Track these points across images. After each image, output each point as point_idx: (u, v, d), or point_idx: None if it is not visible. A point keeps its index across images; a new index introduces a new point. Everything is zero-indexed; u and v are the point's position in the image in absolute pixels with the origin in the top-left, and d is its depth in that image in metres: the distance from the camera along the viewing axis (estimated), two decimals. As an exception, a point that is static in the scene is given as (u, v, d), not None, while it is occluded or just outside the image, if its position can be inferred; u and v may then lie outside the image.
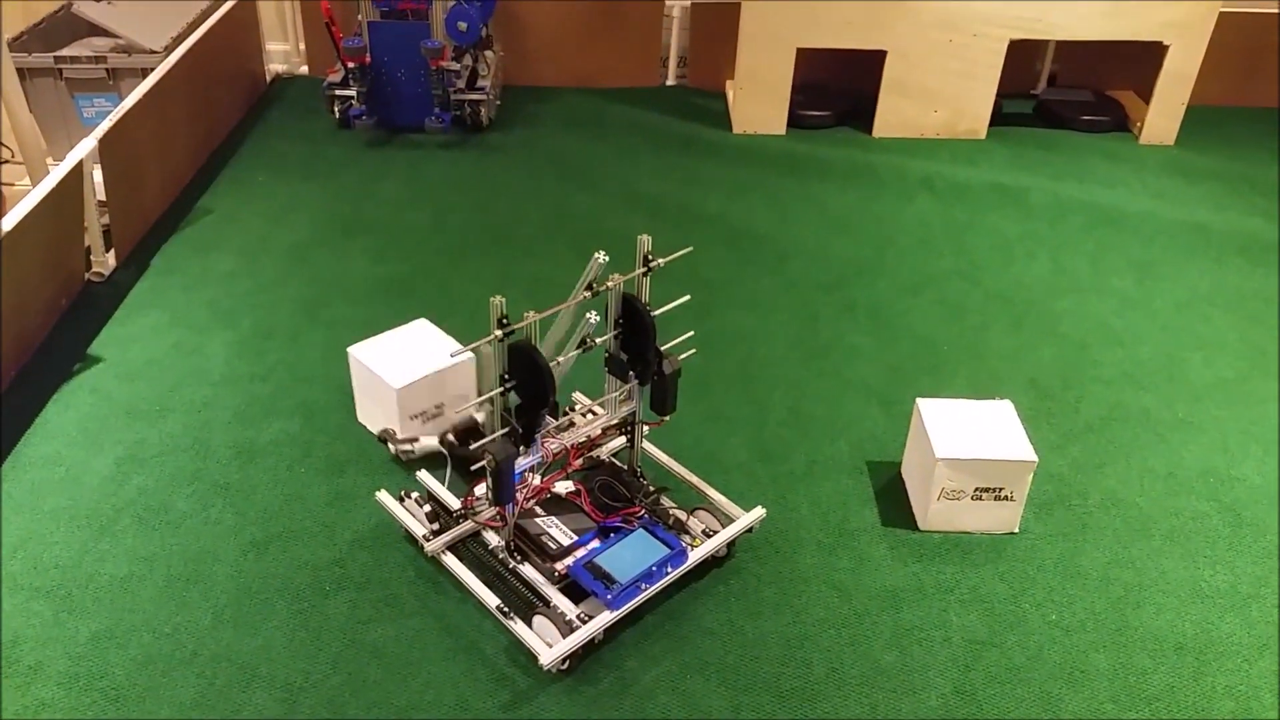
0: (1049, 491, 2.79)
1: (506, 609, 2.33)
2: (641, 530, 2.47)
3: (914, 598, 2.48)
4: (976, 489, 2.60)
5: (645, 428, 2.64)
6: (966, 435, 2.61)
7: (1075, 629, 2.41)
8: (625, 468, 2.67)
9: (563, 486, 2.57)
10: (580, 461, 2.61)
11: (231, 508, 2.71)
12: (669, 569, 2.40)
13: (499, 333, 2.07)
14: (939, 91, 4.68)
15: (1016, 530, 2.67)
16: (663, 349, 2.41)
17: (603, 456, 2.71)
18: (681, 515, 2.59)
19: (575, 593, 2.35)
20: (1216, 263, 3.88)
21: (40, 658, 2.30)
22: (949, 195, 4.30)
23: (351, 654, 2.31)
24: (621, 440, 2.70)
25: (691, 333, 2.50)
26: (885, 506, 2.75)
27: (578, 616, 2.27)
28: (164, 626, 2.38)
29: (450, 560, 2.47)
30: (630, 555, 2.40)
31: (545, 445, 2.37)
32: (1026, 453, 2.56)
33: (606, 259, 2.30)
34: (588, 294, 2.32)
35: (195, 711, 2.19)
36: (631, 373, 2.45)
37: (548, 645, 2.22)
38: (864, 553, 2.62)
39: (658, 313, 2.39)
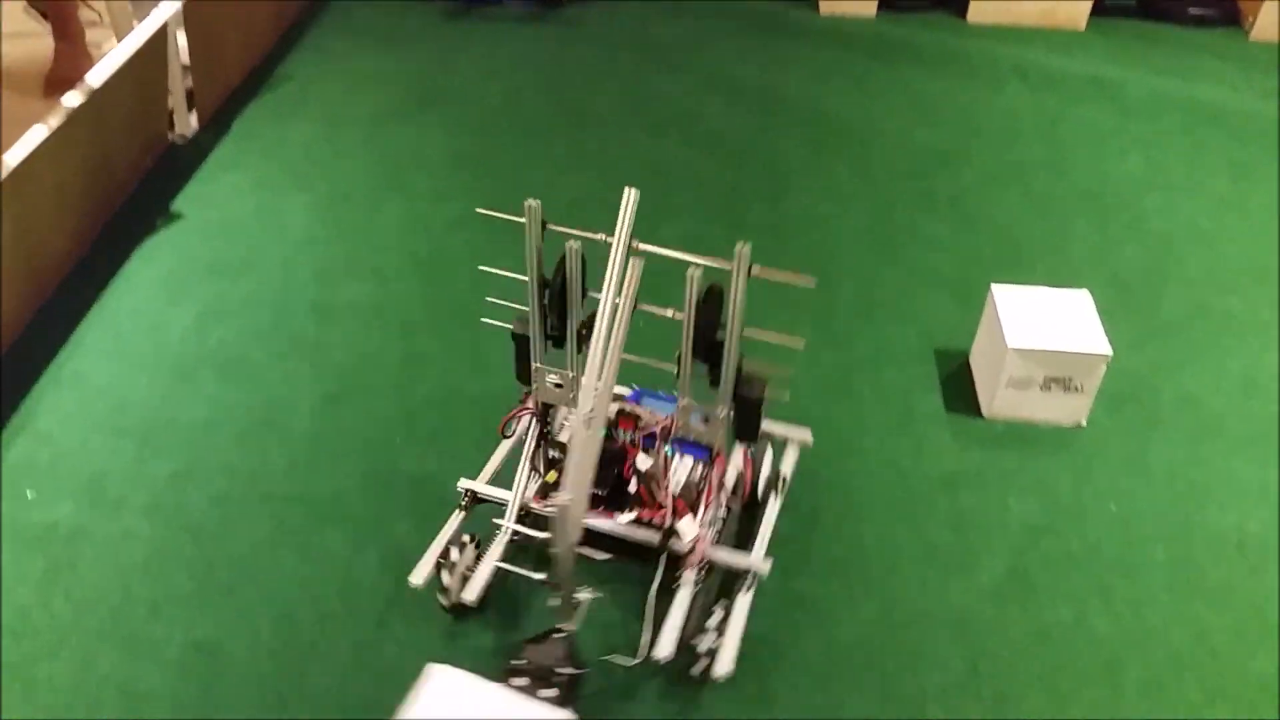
0: (1121, 387, 2.73)
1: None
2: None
3: (974, 483, 2.48)
4: (1046, 379, 2.55)
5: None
6: (1040, 324, 2.56)
7: (1136, 522, 2.39)
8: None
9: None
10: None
11: (307, 362, 2.79)
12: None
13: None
14: (1039, -23, 4.45)
15: (1084, 423, 2.63)
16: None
17: None
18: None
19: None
20: (1321, 166, 3.69)
21: (123, 491, 2.43)
22: (1042, 85, 4.12)
23: (421, 501, 2.40)
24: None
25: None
26: (950, 394, 2.73)
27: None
28: (240, 469, 2.49)
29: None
30: None
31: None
32: (1101, 345, 2.51)
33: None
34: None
35: (267, 549, 2.30)
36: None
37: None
38: (925, 437, 2.61)
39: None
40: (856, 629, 2.17)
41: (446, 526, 2.22)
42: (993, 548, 2.32)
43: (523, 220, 1.98)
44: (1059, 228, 3.34)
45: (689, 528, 2.09)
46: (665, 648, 1.99)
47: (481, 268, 2.19)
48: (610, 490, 2.15)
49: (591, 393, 1.83)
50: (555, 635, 2.00)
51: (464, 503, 2.26)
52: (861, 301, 3.04)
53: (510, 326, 2.15)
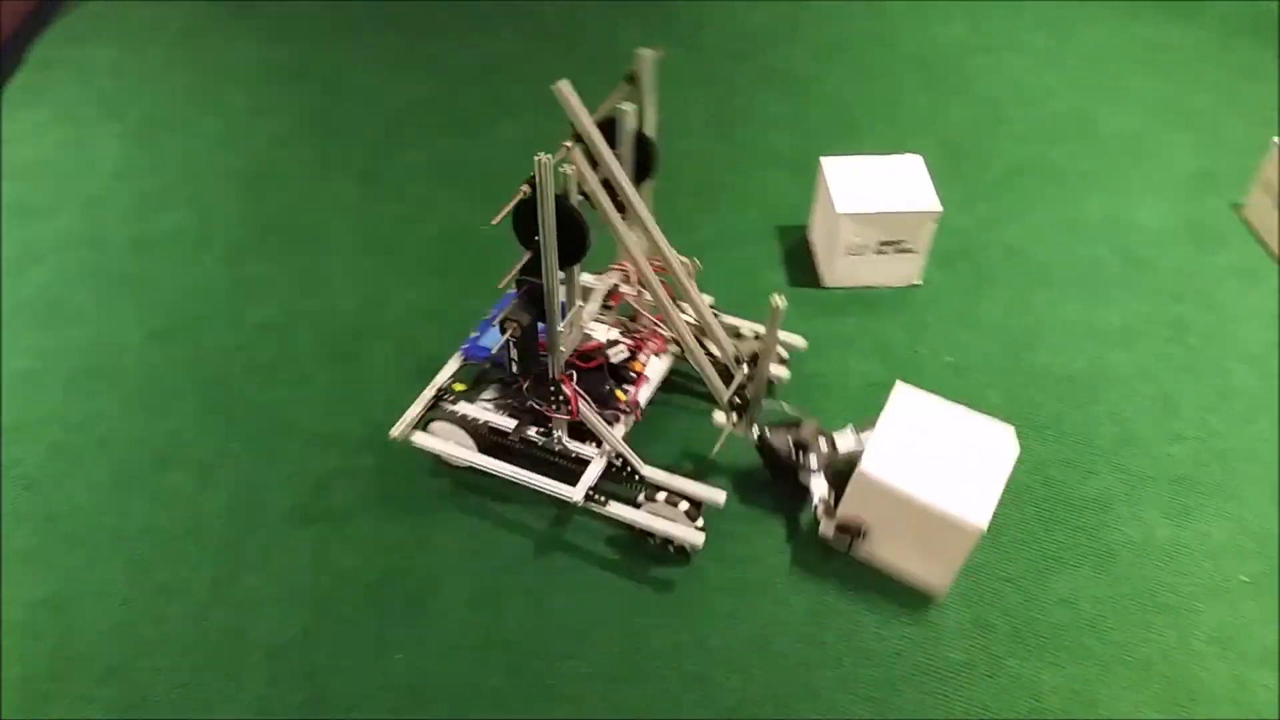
0: (952, 245, 2.83)
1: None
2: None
3: (816, 349, 2.54)
4: (880, 243, 2.62)
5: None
6: (870, 190, 2.61)
7: (969, 370, 2.50)
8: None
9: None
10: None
11: (131, 299, 2.66)
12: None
13: (526, 188, 1.77)
14: None
15: (919, 282, 2.72)
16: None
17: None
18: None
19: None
20: (1131, 17, 3.81)
21: (-53, 454, 2.30)
22: (867, -44, 4.14)
23: (265, 431, 2.34)
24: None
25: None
26: (792, 268, 2.78)
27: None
28: (72, 417, 2.38)
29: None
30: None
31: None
32: (931, 204, 2.58)
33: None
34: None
35: (110, 495, 2.22)
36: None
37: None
38: (766, 311, 2.65)
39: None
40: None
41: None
42: (836, 407, 2.40)
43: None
44: (890, 96, 3.39)
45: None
46: None
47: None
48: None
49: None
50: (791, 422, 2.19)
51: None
52: (704, 184, 3.04)
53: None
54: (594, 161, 1.92)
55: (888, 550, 2.08)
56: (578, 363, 2.19)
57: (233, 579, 2.07)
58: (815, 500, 2.12)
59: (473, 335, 2.31)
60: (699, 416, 2.36)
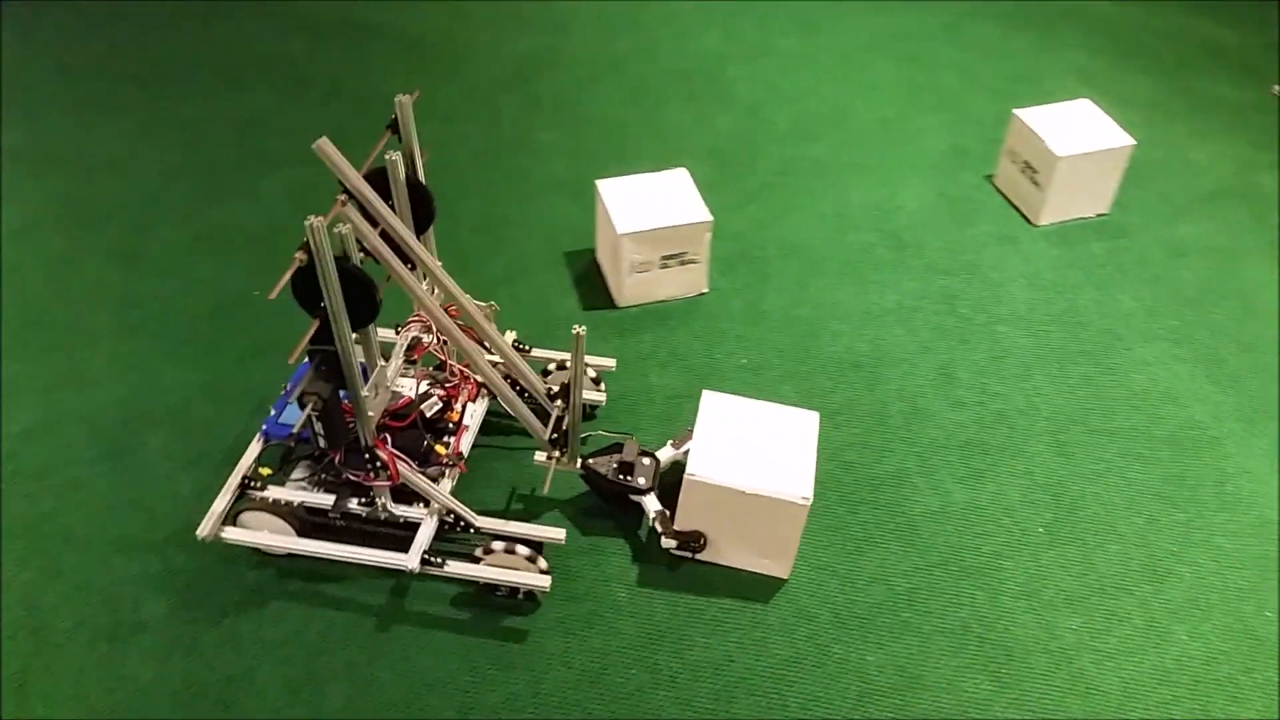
0: (732, 249, 2.90)
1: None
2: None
3: (619, 368, 2.55)
4: (663, 257, 2.66)
5: None
6: (646, 207, 2.64)
7: (764, 368, 2.56)
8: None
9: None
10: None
11: None
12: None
13: (301, 254, 1.68)
14: None
15: (706, 290, 2.78)
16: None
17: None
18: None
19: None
20: (875, 11, 4.03)
21: None
22: (620, -24, 4.22)
23: (39, 546, 2.15)
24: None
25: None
26: (585, 291, 2.78)
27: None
28: None
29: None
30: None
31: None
32: (700, 214, 2.63)
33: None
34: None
35: None
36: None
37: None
38: (568, 338, 2.64)
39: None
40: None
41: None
42: (644, 424, 2.42)
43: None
44: (657, 112, 3.46)
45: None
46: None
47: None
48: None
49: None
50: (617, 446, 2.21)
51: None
52: (486, 219, 3.01)
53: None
54: (370, 216, 1.87)
55: (729, 550, 2.12)
56: (391, 423, 2.12)
57: (20, 713, 1.90)
58: (651, 517, 2.14)
59: (271, 414, 2.20)
60: (523, 455, 2.34)
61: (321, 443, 1.93)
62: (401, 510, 2.09)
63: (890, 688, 1.95)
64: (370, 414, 1.93)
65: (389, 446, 2.00)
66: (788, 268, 2.86)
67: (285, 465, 2.18)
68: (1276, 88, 3.57)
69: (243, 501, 2.09)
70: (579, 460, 2.17)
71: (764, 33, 3.88)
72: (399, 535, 2.11)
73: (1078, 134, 2.90)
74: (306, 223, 1.60)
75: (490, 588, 2.09)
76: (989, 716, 1.90)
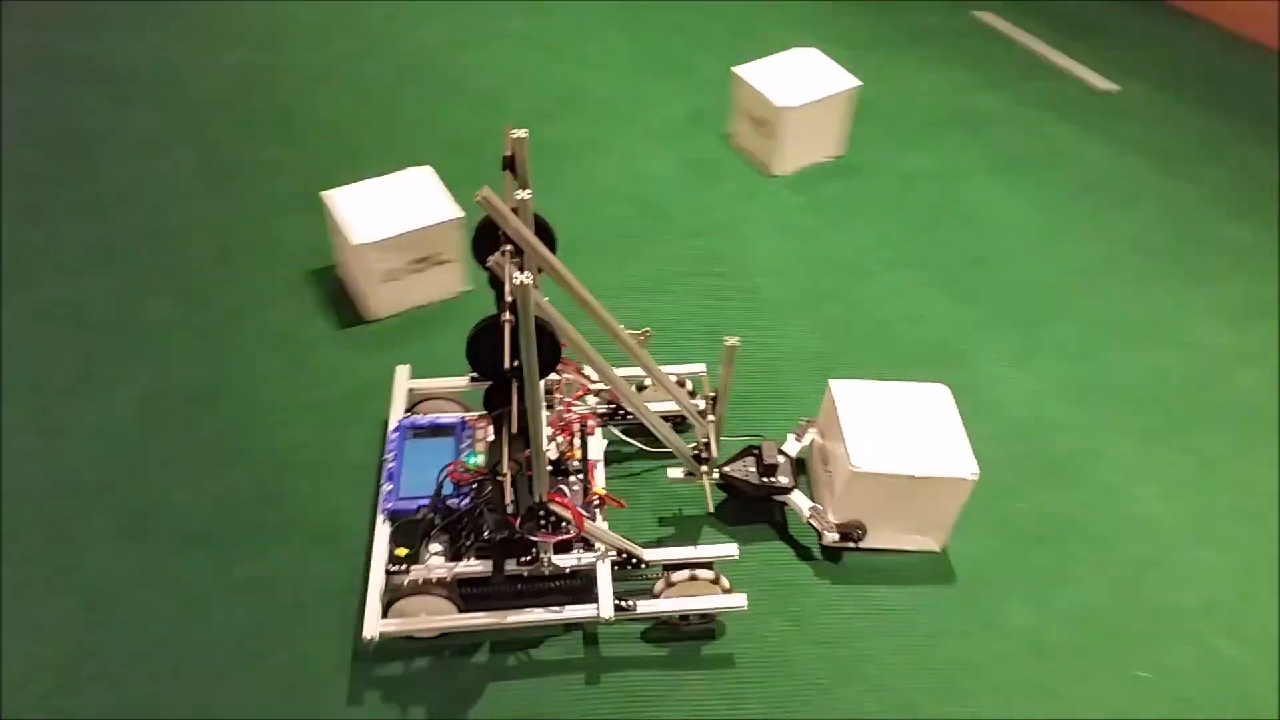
0: (487, 242, 2.83)
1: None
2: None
3: (384, 387, 2.44)
4: (412, 262, 2.56)
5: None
6: (386, 213, 2.53)
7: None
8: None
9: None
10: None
11: None
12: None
13: (509, 317, 1.61)
14: None
15: (466, 287, 2.70)
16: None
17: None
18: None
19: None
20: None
21: None
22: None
23: None
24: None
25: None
26: (334, 310, 2.64)
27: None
28: None
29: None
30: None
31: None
32: (450, 212, 2.55)
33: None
34: None
35: None
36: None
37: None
38: (325, 364, 2.52)
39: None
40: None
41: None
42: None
43: None
44: (388, 111, 3.33)
45: None
46: None
47: None
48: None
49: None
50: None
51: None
52: (216, 250, 2.81)
53: None
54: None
55: (885, 534, 2.10)
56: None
57: None
58: (805, 515, 2.08)
59: (388, 490, 2.01)
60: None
61: (509, 509, 1.76)
62: (562, 560, 1.92)
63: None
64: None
65: (562, 497, 1.82)
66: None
67: (411, 542, 1.95)
68: (976, 12, 3.80)
69: (393, 591, 1.89)
70: (716, 470, 2.11)
71: (491, 17, 3.80)
72: (563, 589, 1.96)
73: (801, 83, 2.98)
74: (515, 281, 1.49)
75: (675, 621, 1.97)
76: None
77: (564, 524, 1.80)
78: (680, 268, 2.77)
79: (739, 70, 3.05)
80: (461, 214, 2.55)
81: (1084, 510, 2.18)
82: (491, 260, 1.75)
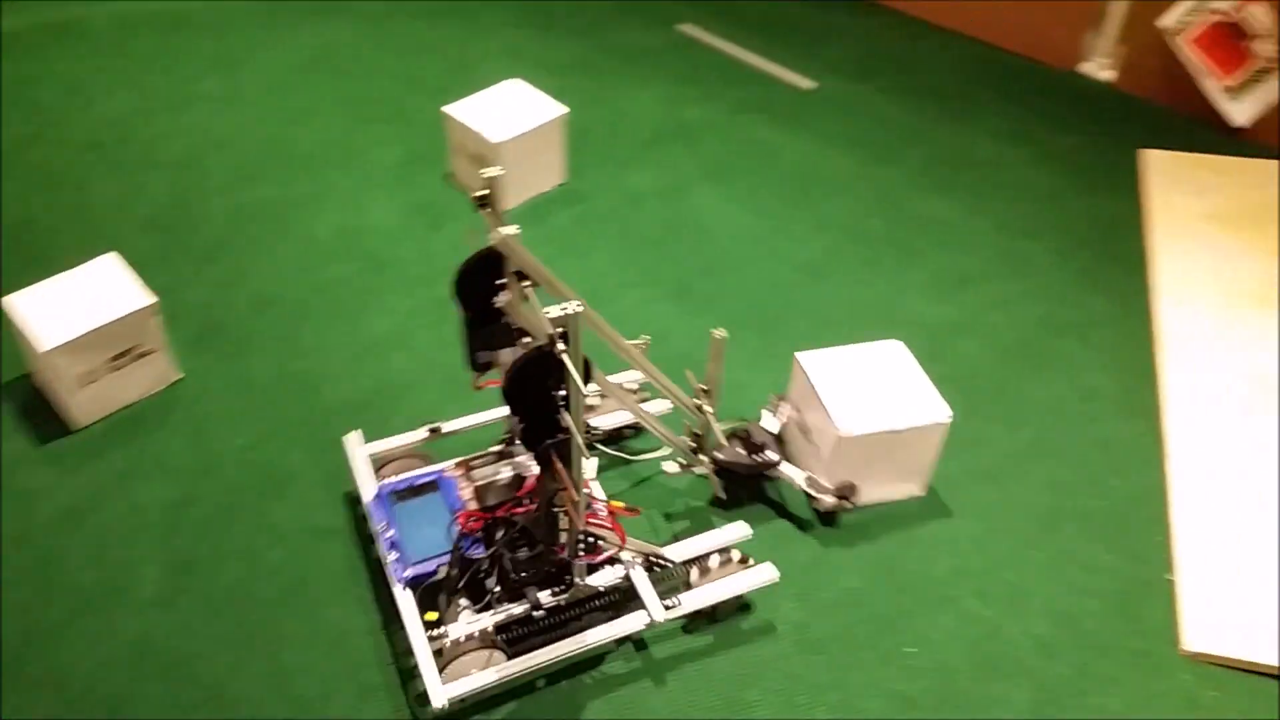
0: (199, 323, 2.63)
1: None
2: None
3: (95, 502, 2.22)
4: (110, 359, 2.34)
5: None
6: (71, 311, 2.30)
7: (270, 437, 2.35)
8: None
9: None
10: None
11: None
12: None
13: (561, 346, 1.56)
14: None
15: (179, 376, 2.49)
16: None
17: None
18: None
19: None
20: (294, 29, 3.85)
21: None
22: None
23: None
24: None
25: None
26: (33, 424, 2.38)
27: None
28: None
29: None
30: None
31: None
32: (140, 299, 2.34)
33: None
34: None
35: None
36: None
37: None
38: (26, 487, 2.26)
39: None
40: None
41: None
42: (140, 553, 2.12)
43: None
44: (75, 196, 3.04)
45: None
46: None
47: None
48: None
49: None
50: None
51: None
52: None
53: None
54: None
55: (872, 489, 2.18)
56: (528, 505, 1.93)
57: None
58: (799, 484, 2.13)
59: (393, 560, 1.90)
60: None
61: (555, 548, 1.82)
62: (603, 578, 1.94)
63: None
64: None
65: (599, 515, 1.90)
66: (268, 324, 2.64)
67: (435, 604, 1.90)
68: (679, 26, 3.89)
69: (442, 656, 1.84)
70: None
71: (180, 81, 3.55)
72: (596, 609, 1.93)
73: (511, 117, 2.94)
74: (563, 311, 1.52)
75: (709, 611, 2.01)
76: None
77: (600, 543, 1.90)
78: (419, 319, 2.67)
79: (449, 109, 2.99)
80: (153, 300, 2.35)
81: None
82: (503, 300, 1.82)
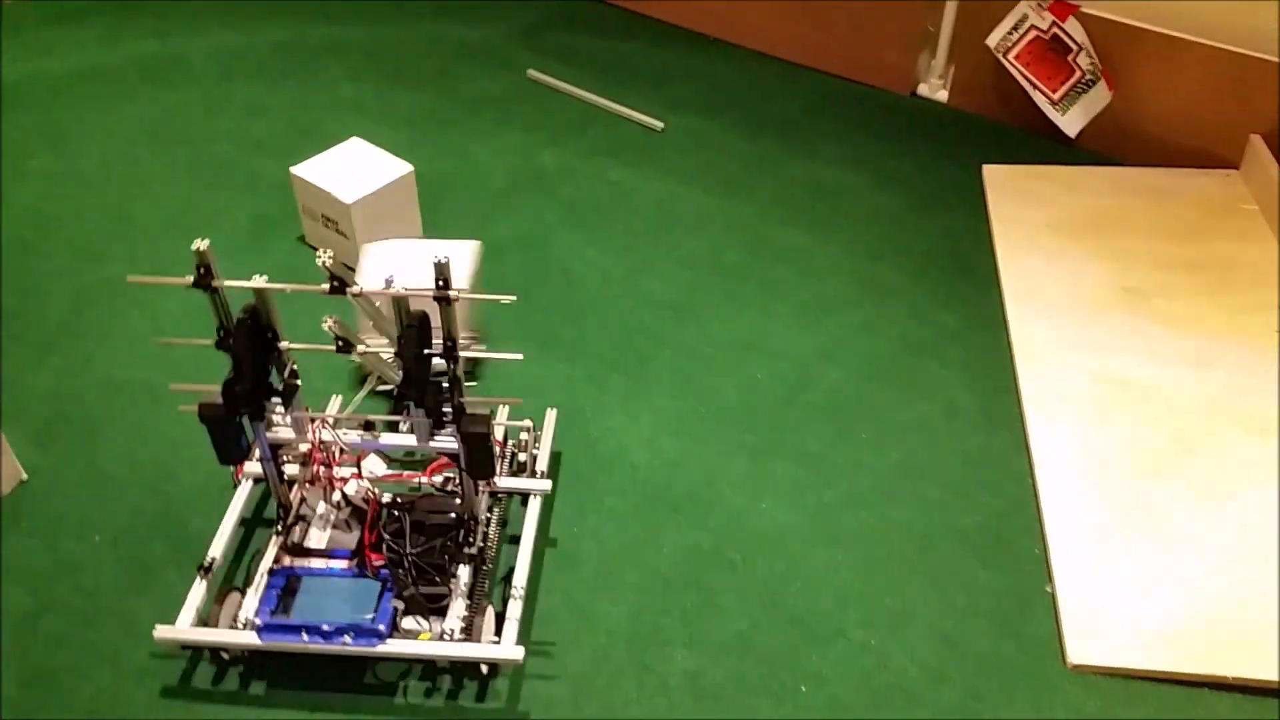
0: (44, 416, 2.49)
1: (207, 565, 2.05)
2: (375, 585, 1.95)
3: (-63, 624, 2.06)
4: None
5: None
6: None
7: (128, 534, 2.23)
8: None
9: (357, 488, 2.08)
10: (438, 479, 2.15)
11: None
12: (348, 640, 1.86)
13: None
14: None
15: (24, 477, 2.34)
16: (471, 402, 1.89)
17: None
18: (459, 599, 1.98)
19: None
20: (129, 97, 3.70)
21: None
22: None
23: None
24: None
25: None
26: None
27: (242, 620, 1.92)
28: None
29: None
30: (332, 600, 1.91)
31: (316, 431, 1.98)
32: None
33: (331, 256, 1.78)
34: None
35: None
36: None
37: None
38: None
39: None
40: None
41: None
42: (-6, 674, 1.98)
43: None
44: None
45: None
46: None
47: None
48: None
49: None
50: None
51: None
52: None
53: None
54: None
55: None
56: None
57: None
58: None
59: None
60: None
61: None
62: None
63: None
64: None
65: None
66: (119, 411, 2.51)
67: None
68: (530, 72, 3.89)
69: None
70: None
71: (5, 158, 3.37)
72: None
73: (359, 175, 2.88)
74: None
75: None
76: None
77: None
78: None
79: (297, 170, 2.91)
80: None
81: (716, 539, 2.25)
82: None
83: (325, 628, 1.86)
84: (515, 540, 2.17)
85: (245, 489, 2.22)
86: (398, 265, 2.45)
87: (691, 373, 2.65)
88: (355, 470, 2.11)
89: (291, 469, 2.12)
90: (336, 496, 2.09)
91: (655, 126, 3.62)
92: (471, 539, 2.04)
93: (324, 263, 1.78)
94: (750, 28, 4.08)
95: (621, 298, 2.89)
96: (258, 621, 1.89)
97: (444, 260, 1.73)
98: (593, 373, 2.65)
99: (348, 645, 1.87)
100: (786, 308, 2.88)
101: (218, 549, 2.08)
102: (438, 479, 2.14)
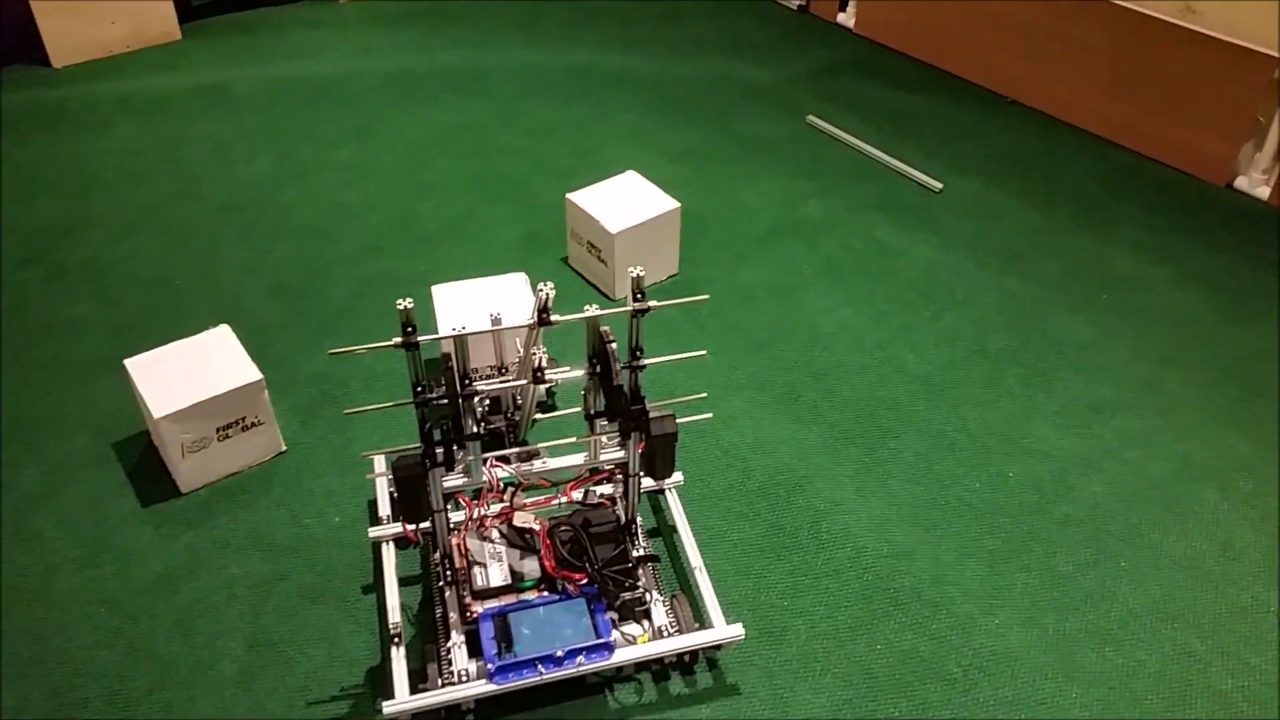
0: (313, 394, 2.67)
1: (395, 633, 2.02)
2: (581, 602, 1.99)
3: (190, 570, 2.24)
4: (220, 429, 2.38)
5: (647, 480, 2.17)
6: (186, 381, 2.35)
7: (361, 519, 2.35)
8: (622, 518, 2.13)
9: (522, 518, 2.10)
10: (576, 495, 2.18)
11: None
12: (583, 660, 1.90)
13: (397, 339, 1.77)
14: None
15: (284, 448, 2.52)
16: (653, 406, 1.95)
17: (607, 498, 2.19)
18: (653, 598, 2.05)
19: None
20: (432, 103, 3.95)
21: None
22: (151, 112, 3.87)
23: None
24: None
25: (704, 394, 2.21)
26: (143, 484, 2.44)
27: (458, 672, 1.92)
28: None
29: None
30: (549, 627, 1.94)
31: (490, 471, 2.02)
32: (250, 374, 2.38)
33: (552, 289, 1.85)
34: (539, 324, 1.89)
35: None
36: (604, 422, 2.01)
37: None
38: (127, 547, 2.30)
39: (657, 361, 2.01)
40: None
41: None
42: (226, 629, 2.12)
43: None
44: (208, 256, 3.15)
45: None
46: None
47: None
48: None
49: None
50: None
51: None
52: (15, 423, 2.58)
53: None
54: None
55: None
56: None
57: None
58: None
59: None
60: None
61: None
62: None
63: None
64: None
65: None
66: (377, 399, 2.64)
67: None
68: (810, 117, 3.83)
69: None
70: None
71: (318, 147, 3.67)
72: None
73: (628, 207, 2.92)
74: None
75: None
76: None
77: None
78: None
79: (572, 196, 2.99)
80: (259, 376, 2.38)
81: (938, 646, 2.09)
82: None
83: (559, 654, 1.87)
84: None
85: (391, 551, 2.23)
86: (478, 303, 2.59)
87: (935, 459, 2.49)
88: (506, 504, 2.11)
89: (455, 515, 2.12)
90: (494, 534, 2.08)
91: (934, 186, 3.47)
92: (636, 541, 2.09)
93: (546, 296, 1.84)
94: (1052, 93, 3.83)
95: (871, 365, 2.77)
96: (490, 668, 1.88)
97: (548, 293, 1.85)
98: (828, 441, 2.54)
99: (583, 665, 1.89)
100: (1054, 404, 2.65)
101: (394, 613, 2.06)
102: (577, 494, 2.17)
